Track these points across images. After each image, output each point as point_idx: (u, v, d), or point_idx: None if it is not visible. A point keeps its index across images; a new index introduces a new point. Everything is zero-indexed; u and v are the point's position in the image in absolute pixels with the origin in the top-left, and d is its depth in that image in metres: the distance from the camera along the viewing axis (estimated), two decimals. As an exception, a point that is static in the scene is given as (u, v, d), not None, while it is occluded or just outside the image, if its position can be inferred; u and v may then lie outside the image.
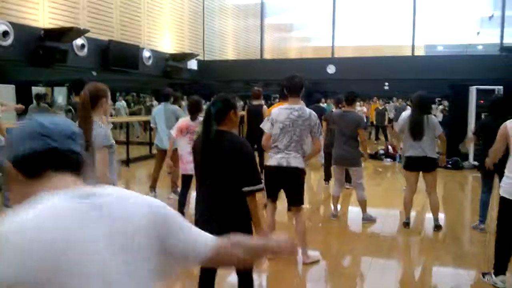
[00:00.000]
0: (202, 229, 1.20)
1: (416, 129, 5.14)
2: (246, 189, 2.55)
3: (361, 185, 5.68)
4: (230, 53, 16.68)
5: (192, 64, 13.48)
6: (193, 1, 14.22)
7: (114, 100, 16.92)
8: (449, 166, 9.87)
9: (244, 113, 7.76)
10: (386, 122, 14.85)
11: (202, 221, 2.63)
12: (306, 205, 6.28)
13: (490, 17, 18.65)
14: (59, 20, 9.09)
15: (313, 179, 8.74)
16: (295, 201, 4.18)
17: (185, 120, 5.19)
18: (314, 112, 4.06)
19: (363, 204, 5.71)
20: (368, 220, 5.70)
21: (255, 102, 7.42)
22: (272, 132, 4.02)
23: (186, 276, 3.53)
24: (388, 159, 10.84)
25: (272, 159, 4.03)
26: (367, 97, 18.37)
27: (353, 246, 4.95)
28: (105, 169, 2.89)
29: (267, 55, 19.37)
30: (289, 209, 4.97)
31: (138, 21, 11.63)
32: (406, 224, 5.45)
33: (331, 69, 12.91)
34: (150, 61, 11.77)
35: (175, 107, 6.52)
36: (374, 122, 15.92)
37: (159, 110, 6.57)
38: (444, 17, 19.20)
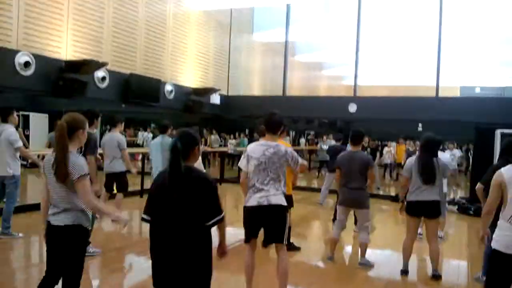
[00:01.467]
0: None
1: (428, 172, 4.90)
2: (214, 220, 2.65)
3: (367, 228, 5.44)
4: (255, 90, 16.86)
5: (215, 99, 13.66)
6: (219, 38, 14.56)
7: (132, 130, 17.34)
8: (471, 212, 9.43)
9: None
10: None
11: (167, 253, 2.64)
12: (309, 244, 6.14)
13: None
14: (81, 52, 9.47)
15: (321, 218, 8.49)
16: (276, 239, 4.00)
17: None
18: (289, 148, 3.97)
19: (363, 247, 5.47)
20: (365, 265, 5.43)
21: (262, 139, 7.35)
22: (248, 169, 3.95)
23: None
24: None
25: (252, 199, 3.93)
26: (395, 137, 18.05)
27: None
28: (89, 196, 2.96)
29: (295, 92, 19.47)
30: (264, 246, 4.76)
31: (161, 56, 11.97)
32: (404, 272, 5.15)
33: (352, 108, 12.74)
34: (172, 95, 12.01)
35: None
36: (403, 163, 15.43)
37: (156, 142, 6.62)
38: (482, 59, 18.85)
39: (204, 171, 4.91)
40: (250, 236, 4.07)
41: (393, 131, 17.48)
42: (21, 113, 12.28)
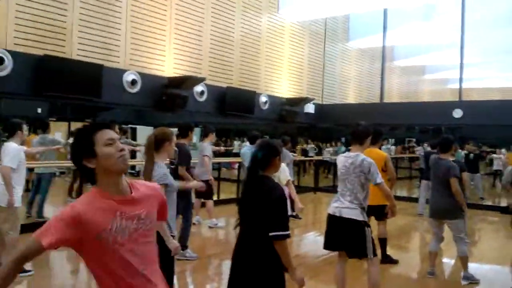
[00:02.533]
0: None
1: None
2: (271, 234, 2.57)
3: (462, 240, 5.05)
4: (351, 97, 16.53)
5: (309, 108, 13.65)
6: (313, 47, 14.57)
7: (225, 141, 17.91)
8: None
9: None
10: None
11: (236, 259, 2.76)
12: (407, 257, 5.83)
13: None
14: (182, 69, 10.07)
15: (420, 230, 8.02)
16: (355, 253, 3.94)
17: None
18: (368, 159, 3.84)
19: (464, 260, 5.09)
20: (469, 280, 5.03)
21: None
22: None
23: None
24: (522, 215, 9.44)
25: (331, 207, 4.00)
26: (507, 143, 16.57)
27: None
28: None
29: (395, 99, 18.72)
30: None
31: (256, 68, 12.29)
32: (516, 290, 4.68)
33: (457, 113, 11.91)
34: (267, 106, 12.24)
35: None
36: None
37: (247, 150, 6.78)
38: None
39: (285, 179, 4.97)
40: (327, 243, 4.04)
41: (505, 137, 16.05)
42: (129, 126, 13.38)
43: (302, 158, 15.89)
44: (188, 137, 5.89)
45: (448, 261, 6.20)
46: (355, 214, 3.81)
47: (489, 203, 11.83)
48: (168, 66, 9.84)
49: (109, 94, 8.41)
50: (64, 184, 11.18)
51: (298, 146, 15.70)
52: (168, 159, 3.47)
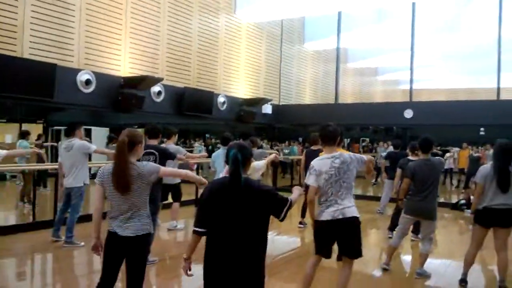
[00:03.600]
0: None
1: (505, 181, 4.64)
2: (285, 210, 2.73)
3: (431, 240, 5.27)
4: (307, 98, 16.82)
5: (267, 109, 13.78)
6: (270, 49, 14.72)
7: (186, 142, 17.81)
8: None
9: (302, 157, 7.79)
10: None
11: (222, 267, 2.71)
12: (366, 253, 5.97)
13: None
14: (138, 69, 9.91)
15: (378, 227, 8.29)
16: (355, 254, 3.97)
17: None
18: (352, 154, 4.08)
19: (424, 258, 5.28)
20: (422, 275, 5.25)
21: (313, 147, 7.36)
22: (319, 184, 3.89)
23: None
24: (469, 210, 9.94)
25: (325, 213, 3.89)
26: (455, 142, 17.35)
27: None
28: (177, 172, 3.62)
29: (349, 100, 19.19)
30: (339, 259, 4.73)
31: (214, 69, 12.27)
32: (462, 281, 4.92)
33: (408, 114, 12.39)
34: (225, 106, 12.25)
35: None
36: (465, 169, 14.74)
37: (219, 153, 6.76)
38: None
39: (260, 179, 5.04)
40: (320, 251, 4.04)
41: (453, 136, 16.81)
42: (83, 127, 12.99)
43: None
44: (158, 138, 5.83)
45: (403, 256, 6.44)
46: (356, 212, 3.91)
47: (441, 200, 12.35)
48: (124, 66, 9.65)
49: (62, 94, 8.16)
50: (15, 188, 10.75)
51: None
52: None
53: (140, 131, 4.49)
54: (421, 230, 5.38)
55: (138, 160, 4.82)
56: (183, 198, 7.85)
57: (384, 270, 5.45)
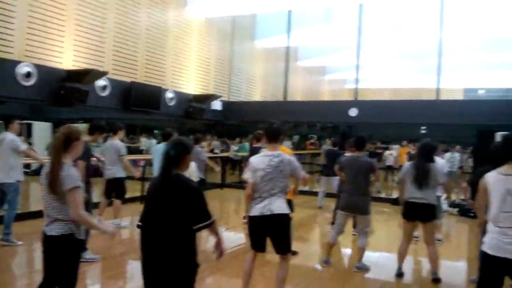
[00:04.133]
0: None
1: (421, 177, 4.96)
2: (202, 225, 2.74)
3: (366, 234, 5.49)
4: (257, 95, 16.94)
5: (216, 105, 13.76)
6: (221, 45, 14.69)
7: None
8: (471, 214, 9.41)
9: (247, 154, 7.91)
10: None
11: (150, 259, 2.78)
12: (307, 248, 6.19)
13: (527, 61, 18.05)
14: (83, 62, 9.61)
15: (320, 222, 8.52)
16: (283, 250, 4.05)
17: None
18: (292, 157, 4.04)
19: (362, 252, 5.50)
20: (361, 269, 5.47)
21: (255, 144, 7.44)
22: (254, 181, 3.96)
23: None
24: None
25: (254, 209, 3.98)
26: (400, 140, 18.09)
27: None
28: (78, 209, 2.94)
29: (298, 97, 19.52)
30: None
31: (162, 64, 12.10)
32: (399, 275, 5.19)
33: (353, 112, 12.77)
34: (173, 102, 12.12)
35: None
36: (405, 167, 15.40)
37: (157, 148, 6.71)
38: (486, 60, 18.82)
39: (197, 177, 5.01)
40: (254, 246, 4.11)
41: (397, 134, 17.50)
42: (24, 122, 12.45)
43: (209, 154, 15.95)
44: (94, 137, 5.68)
45: (344, 250, 6.67)
46: (284, 208, 3.94)
47: (383, 195, 12.85)
48: (67, 59, 9.33)
49: (0, 87, 7.78)
50: None
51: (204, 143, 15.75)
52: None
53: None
54: (357, 225, 5.60)
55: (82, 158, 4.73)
56: (128, 195, 7.73)
57: (325, 264, 5.62)
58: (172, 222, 2.71)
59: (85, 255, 5.43)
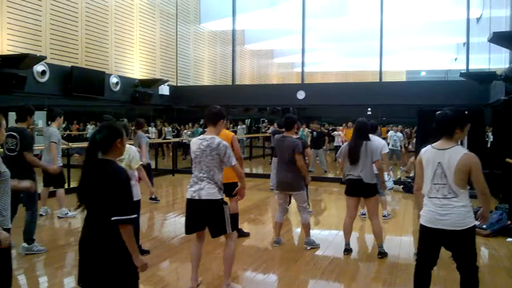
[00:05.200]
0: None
1: (353, 154, 5.16)
2: (114, 218, 2.49)
3: (305, 209, 5.59)
4: (206, 79, 16.75)
5: (164, 90, 13.47)
6: (165, 27, 14.33)
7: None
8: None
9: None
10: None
11: (82, 247, 2.65)
12: (259, 230, 6.26)
13: (464, 44, 18.97)
14: (18, 46, 9.07)
15: (273, 204, 8.63)
16: (217, 232, 4.05)
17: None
18: (224, 142, 3.96)
19: (306, 228, 5.64)
20: (310, 244, 5.60)
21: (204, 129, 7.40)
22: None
23: None
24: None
25: (188, 192, 4.01)
26: (345, 121, 18.57)
27: (290, 272, 4.80)
28: None
29: (247, 81, 19.48)
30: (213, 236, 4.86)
31: (104, 48, 11.64)
32: (346, 250, 5.37)
33: (301, 95, 12.93)
34: (118, 87, 11.75)
35: None
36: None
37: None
38: (425, 43, 19.54)
39: (138, 163, 4.88)
40: (189, 228, 4.10)
41: (345, 116, 17.91)
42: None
43: (159, 140, 15.71)
44: (27, 121, 5.40)
45: (294, 229, 6.81)
46: (214, 194, 3.91)
47: (331, 175, 13.19)
48: (0, 43, 8.76)
49: None
50: None
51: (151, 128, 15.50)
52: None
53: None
54: (295, 201, 5.65)
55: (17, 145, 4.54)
56: (76, 184, 7.47)
57: (275, 244, 5.72)
58: (97, 211, 2.56)
59: (32, 247, 5.27)
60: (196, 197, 3.92)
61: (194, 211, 3.98)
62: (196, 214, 3.98)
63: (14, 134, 5.19)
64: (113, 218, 2.48)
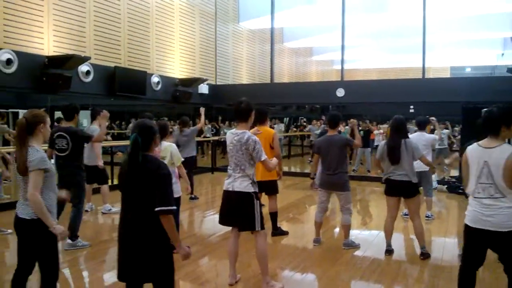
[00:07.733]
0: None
1: (393, 154, 5.00)
2: (158, 209, 2.60)
3: (348, 211, 5.48)
4: (244, 78, 16.81)
5: (203, 89, 13.63)
6: (204, 27, 14.48)
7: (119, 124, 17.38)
8: (460, 191, 9.51)
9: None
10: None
11: (124, 242, 2.74)
12: (297, 228, 6.21)
13: (511, 38, 18.16)
14: (64, 48, 9.40)
15: (313, 203, 8.54)
16: (245, 226, 4.07)
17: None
18: (254, 137, 3.94)
19: (346, 229, 5.53)
20: (349, 246, 5.50)
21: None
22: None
23: None
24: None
25: (224, 184, 4.10)
26: (387, 120, 18.15)
27: (329, 272, 4.73)
28: (34, 190, 2.91)
29: (285, 79, 19.42)
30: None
31: (146, 48, 11.90)
32: (388, 251, 5.23)
33: (340, 93, 12.73)
34: (159, 86, 11.97)
35: None
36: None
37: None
38: (470, 38, 18.87)
39: (179, 161, 4.99)
40: (221, 218, 4.15)
41: (387, 114, 17.53)
42: (10, 110, 12.23)
43: (199, 138, 15.87)
44: (74, 120, 5.57)
45: (334, 229, 6.71)
46: (246, 187, 3.94)
47: (374, 174, 12.93)
48: (47, 44, 9.11)
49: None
50: None
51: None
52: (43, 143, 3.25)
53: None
54: (339, 201, 5.54)
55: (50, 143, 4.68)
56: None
57: (315, 243, 5.65)
58: (139, 206, 2.67)
59: (76, 243, 5.43)
60: (230, 189, 4.00)
61: (227, 202, 4.05)
62: (229, 205, 4.04)
63: (65, 134, 5.31)
64: (156, 209, 2.58)
